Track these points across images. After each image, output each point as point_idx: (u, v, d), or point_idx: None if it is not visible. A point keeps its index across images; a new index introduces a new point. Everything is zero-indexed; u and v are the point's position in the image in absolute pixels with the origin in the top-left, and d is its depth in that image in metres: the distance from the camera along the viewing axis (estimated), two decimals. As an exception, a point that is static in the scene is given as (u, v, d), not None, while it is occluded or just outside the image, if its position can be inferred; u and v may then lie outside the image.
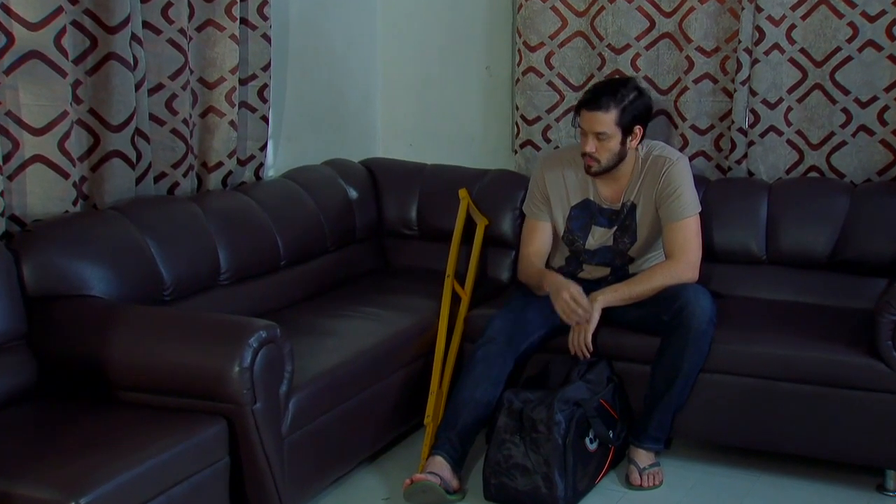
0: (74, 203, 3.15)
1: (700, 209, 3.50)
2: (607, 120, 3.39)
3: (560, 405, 3.13)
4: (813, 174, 3.95)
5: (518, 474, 3.12)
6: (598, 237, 3.58)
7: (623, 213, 3.54)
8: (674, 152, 3.55)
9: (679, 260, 3.42)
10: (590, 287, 3.55)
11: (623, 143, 3.44)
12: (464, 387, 3.33)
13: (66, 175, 3.09)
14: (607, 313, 3.42)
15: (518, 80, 4.32)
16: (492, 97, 4.57)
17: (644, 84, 3.80)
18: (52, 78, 3.01)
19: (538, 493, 3.11)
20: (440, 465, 3.21)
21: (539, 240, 3.66)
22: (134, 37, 3.25)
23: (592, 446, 3.24)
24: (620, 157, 3.46)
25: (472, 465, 3.40)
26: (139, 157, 3.36)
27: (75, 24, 3.13)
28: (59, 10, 3.00)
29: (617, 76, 3.73)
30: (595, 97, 3.42)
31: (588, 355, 3.39)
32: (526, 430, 3.13)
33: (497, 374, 3.34)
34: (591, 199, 3.58)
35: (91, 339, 2.82)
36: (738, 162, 4.00)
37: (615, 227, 3.55)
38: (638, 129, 3.46)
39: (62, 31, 3.02)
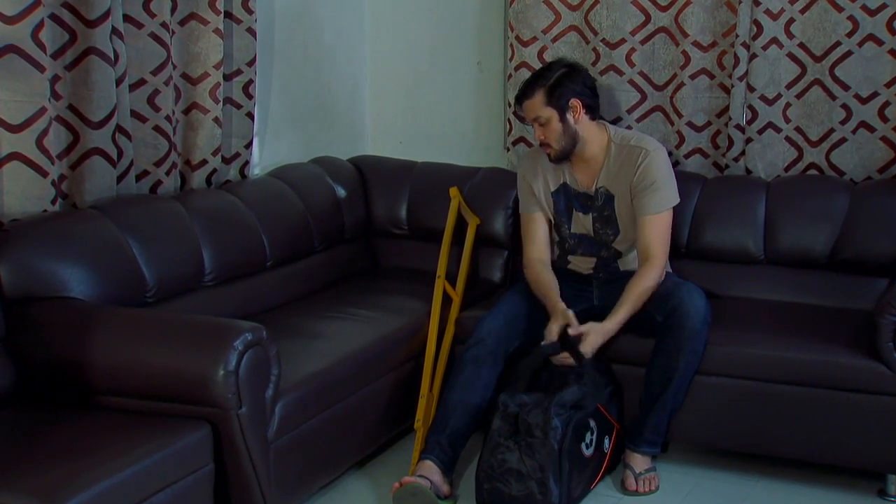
0: (53, 202, 3.10)
1: (678, 200, 3.47)
2: (536, 104, 3.44)
3: (557, 409, 3.08)
4: (812, 172, 3.92)
5: (512, 479, 3.06)
6: (580, 223, 3.56)
7: (599, 201, 3.51)
8: (651, 142, 3.50)
9: (650, 266, 3.38)
10: (576, 287, 3.54)
11: (563, 120, 3.43)
12: (453, 389, 3.30)
13: (44, 173, 3.04)
14: (602, 315, 3.38)
15: (510, 75, 4.27)
16: (483, 93, 4.53)
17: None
18: (30, 73, 2.96)
19: (532, 499, 3.05)
20: (430, 469, 3.18)
21: (538, 235, 3.62)
22: (114, 31, 3.22)
23: (588, 451, 3.19)
24: (571, 135, 3.45)
25: (464, 469, 3.37)
26: (120, 154, 3.32)
27: (53, 17, 3.09)
28: (36, 4, 2.95)
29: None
30: (522, 89, 3.50)
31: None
32: (521, 434, 3.08)
33: (487, 377, 3.31)
34: (568, 182, 3.57)
35: (71, 342, 2.78)
36: (736, 159, 3.97)
37: (591, 214, 3.52)
38: (574, 103, 3.43)
39: (40, 25, 2.97)
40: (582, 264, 3.59)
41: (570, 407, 3.14)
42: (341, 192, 4.16)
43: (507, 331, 3.37)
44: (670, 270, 3.58)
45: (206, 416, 2.68)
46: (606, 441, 3.29)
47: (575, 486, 3.13)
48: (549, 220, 3.62)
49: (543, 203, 3.60)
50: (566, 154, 3.47)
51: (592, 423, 3.22)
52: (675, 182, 3.47)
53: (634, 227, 3.47)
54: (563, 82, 3.44)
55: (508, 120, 4.33)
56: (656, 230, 3.40)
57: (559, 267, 3.61)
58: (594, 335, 3.28)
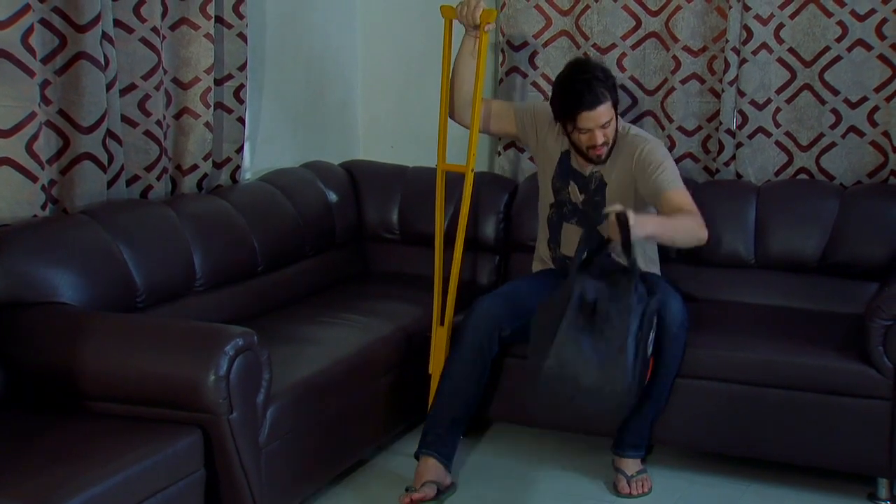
0: (43, 207, 3.09)
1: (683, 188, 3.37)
2: (608, 108, 3.35)
3: (637, 298, 2.94)
4: (802, 176, 3.93)
5: (585, 369, 2.89)
6: (575, 194, 3.54)
7: (592, 185, 3.50)
8: (650, 136, 3.51)
9: (696, 214, 3.25)
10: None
11: (616, 117, 3.42)
12: (452, 377, 3.31)
13: (34, 178, 3.03)
14: None
15: (501, 80, 4.27)
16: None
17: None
18: (20, 78, 2.95)
19: (605, 391, 2.89)
20: (434, 468, 3.22)
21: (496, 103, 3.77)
22: (105, 35, 3.20)
23: (650, 349, 3.06)
24: (616, 130, 3.43)
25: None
26: (111, 159, 3.30)
27: (43, 22, 3.07)
28: (26, 8, 2.94)
29: (574, 65, 3.56)
30: (590, 95, 3.31)
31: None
32: (597, 324, 2.92)
33: (483, 363, 3.32)
34: (570, 155, 3.53)
35: (60, 347, 2.77)
36: (726, 164, 3.97)
37: (584, 195, 3.52)
38: (616, 99, 3.43)
39: (30, 30, 2.95)
40: (573, 238, 3.51)
41: (645, 300, 2.98)
42: (332, 197, 4.15)
43: (506, 312, 3.35)
44: (659, 273, 3.59)
45: (197, 422, 2.66)
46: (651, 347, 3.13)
47: (640, 381, 2.99)
48: (546, 173, 3.59)
49: (550, 150, 3.58)
50: (611, 150, 3.45)
51: (655, 322, 3.08)
52: (678, 171, 3.40)
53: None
54: (613, 80, 3.41)
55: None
56: (681, 198, 3.28)
57: (553, 255, 3.60)
58: (635, 216, 2.99)
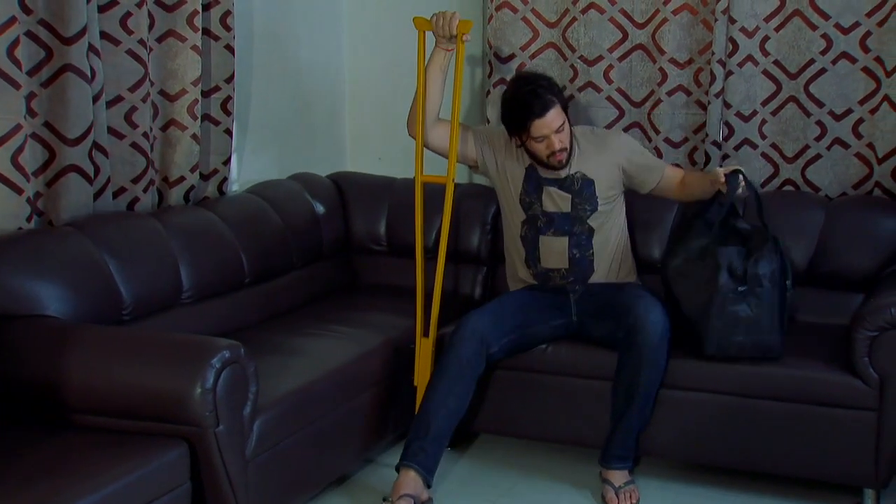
0: (29, 219, 3.08)
1: None
2: (559, 112, 3.41)
3: (770, 256, 3.24)
4: (788, 188, 3.94)
5: (743, 330, 3.22)
6: (554, 198, 3.54)
7: (576, 185, 3.52)
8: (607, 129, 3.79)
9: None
10: (553, 299, 3.53)
11: (568, 120, 3.47)
12: (436, 391, 3.30)
13: (19, 191, 3.02)
14: (580, 334, 3.45)
15: (489, 92, 4.27)
16: (462, 110, 4.50)
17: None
18: (5, 90, 2.94)
19: (763, 341, 3.22)
20: (413, 482, 3.20)
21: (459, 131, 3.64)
22: (91, 48, 3.20)
23: (790, 290, 3.32)
24: (570, 133, 3.51)
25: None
26: (97, 171, 3.30)
27: (29, 34, 3.07)
28: (12, 21, 2.93)
29: (517, 79, 3.67)
30: (539, 103, 3.38)
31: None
32: (751, 286, 3.20)
33: (470, 378, 3.32)
34: (535, 166, 3.56)
35: (46, 360, 2.76)
36: (712, 175, 3.96)
37: (569, 194, 3.53)
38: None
39: (15, 42, 2.95)
40: (553, 248, 3.54)
41: (779, 251, 3.28)
42: (320, 209, 4.15)
43: (493, 330, 3.37)
44: (639, 282, 3.62)
45: (184, 435, 2.66)
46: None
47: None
48: (512, 192, 3.60)
49: (498, 169, 3.63)
50: (570, 154, 3.50)
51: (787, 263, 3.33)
52: None
53: (609, 206, 3.53)
54: (556, 87, 3.49)
55: (487, 136, 4.33)
56: (676, 169, 3.64)
57: (534, 272, 3.59)
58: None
